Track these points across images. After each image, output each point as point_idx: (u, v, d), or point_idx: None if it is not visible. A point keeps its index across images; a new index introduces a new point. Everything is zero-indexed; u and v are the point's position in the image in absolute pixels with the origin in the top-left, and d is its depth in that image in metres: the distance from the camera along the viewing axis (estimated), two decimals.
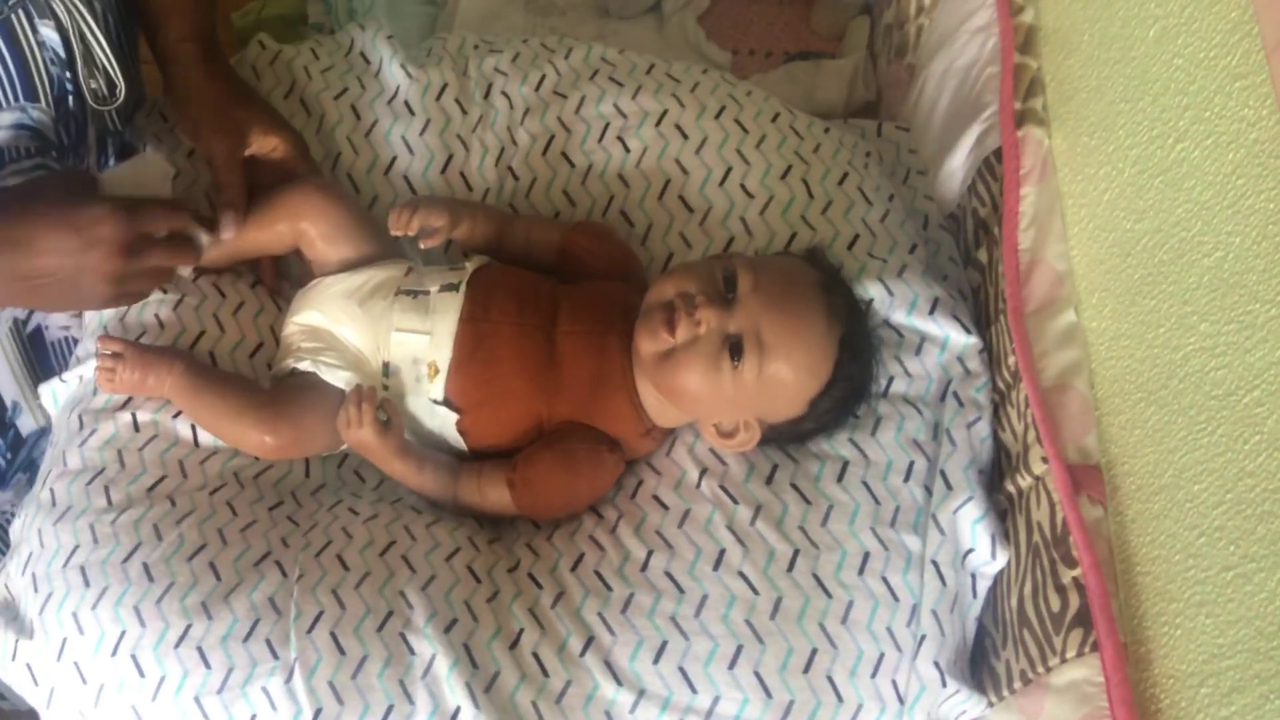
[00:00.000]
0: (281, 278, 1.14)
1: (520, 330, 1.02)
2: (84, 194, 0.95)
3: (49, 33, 0.99)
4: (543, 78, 1.21)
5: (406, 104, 1.20)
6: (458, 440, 1.04)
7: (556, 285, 1.07)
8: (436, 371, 1.01)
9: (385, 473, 1.03)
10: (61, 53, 1.00)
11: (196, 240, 1.02)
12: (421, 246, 1.08)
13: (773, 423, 1.00)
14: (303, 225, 1.08)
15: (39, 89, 1.00)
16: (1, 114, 0.99)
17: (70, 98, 1.03)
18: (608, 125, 1.17)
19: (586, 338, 1.02)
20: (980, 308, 1.09)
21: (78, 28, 1.00)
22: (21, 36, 0.97)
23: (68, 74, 1.02)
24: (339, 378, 1.02)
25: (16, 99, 0.99)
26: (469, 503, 1.03)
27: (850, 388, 1.00)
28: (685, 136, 1.15)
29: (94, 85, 1.04)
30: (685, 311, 0.95)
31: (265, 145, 1.07)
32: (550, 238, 1.11)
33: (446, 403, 1.02)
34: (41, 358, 1.14)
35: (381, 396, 1.01)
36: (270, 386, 1.05)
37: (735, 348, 0.95)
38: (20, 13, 0.96)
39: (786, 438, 1.01)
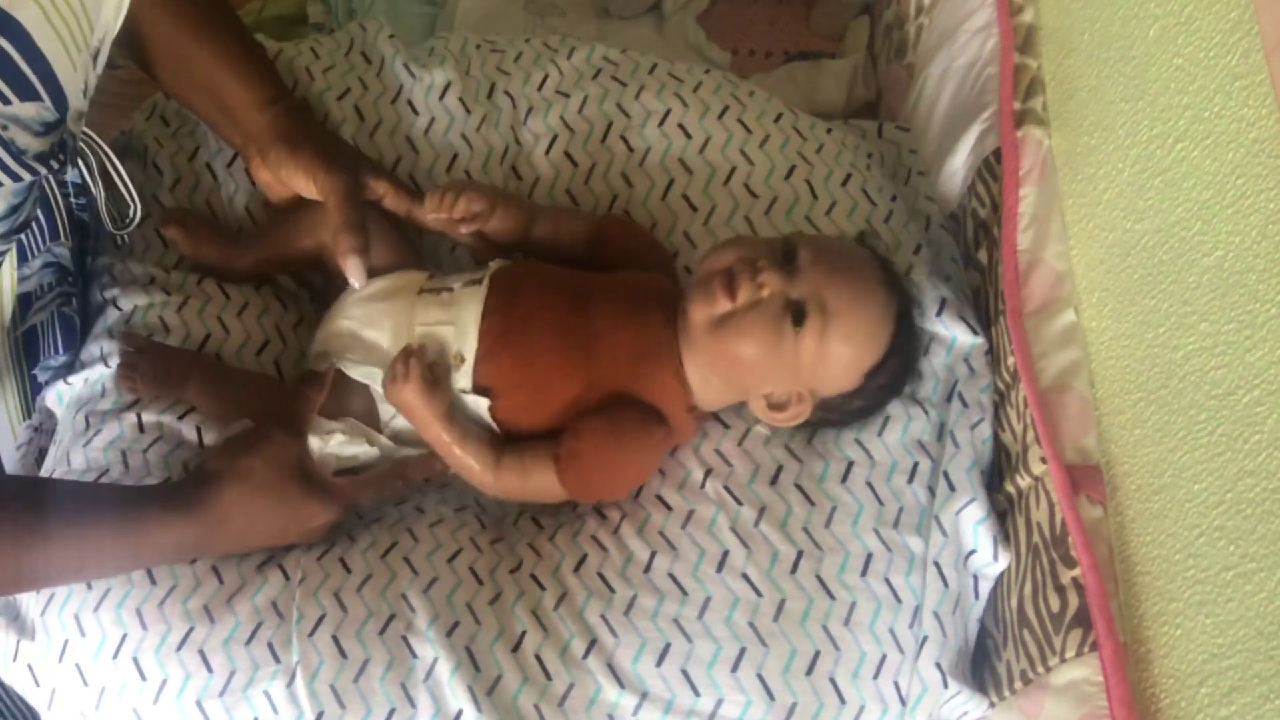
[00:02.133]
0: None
1: (548, 313, 1.00)
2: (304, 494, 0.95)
3: (70, 171, 1.01)
4: (545, 78, 1.21)
5: (410, 104, 1.20)
6: (494, 428, 1.01)
7: (586, 274, 1.05)
8: (462, 361, 0.99)
9: (427, 440, 1.00)
10: (79, 181, 1.02)
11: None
12: (462, 231, 1.06)
13: (825, 396, 0.98)
14: (330, 236, 1.07)
15: (60, 227, 1.02)
16: (33, 261, 1.00)
17: (81, 215, 1.06)
18: (610, 125, 1.17)
19: (625, 315, 1.00)
20: (980, 308, 1.09)
21: (101, 165, 1.01)
22: (48, 187, 0.99)
23: (83, 199, 1.04)
24: (364, 373, 1.01)
25: (45, 244, 1.01)
26: (509, 484, 0.99)
27: (903, 363, 0.99)
28: (688, 136, 1.15)
29: (113, 212, 1.06)
30: (748, 275, 0.94)
31: (376, 189, 1.08)
32: (578, 228, 1.10)
33: (477, 390, 0.99)
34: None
35: (430, 358, 0.99)
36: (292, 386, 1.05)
37: (798, 313, 0.93)
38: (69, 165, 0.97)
39: (836, 415, 1.00)
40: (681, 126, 1.15)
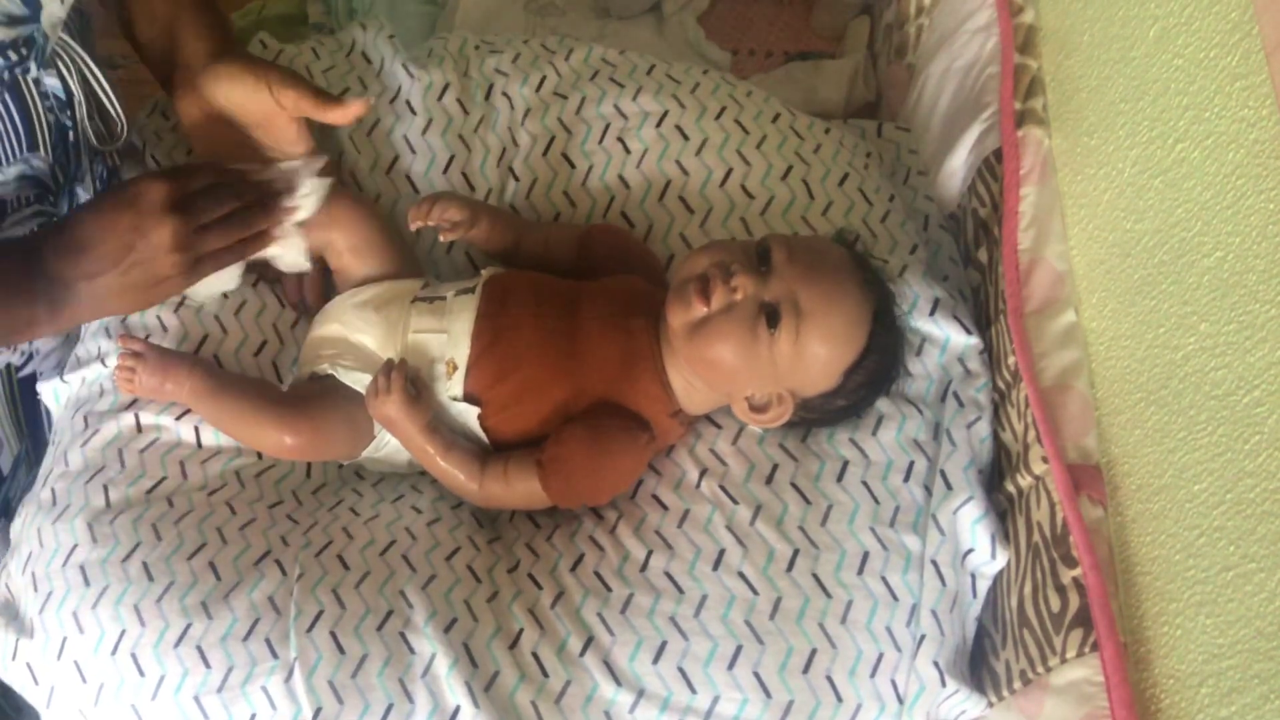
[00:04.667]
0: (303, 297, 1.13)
1: (539, 320, 1.01)
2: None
3: (51, 80, 0.99)
4: (543, 79, 1.21)
5: (408, 104, 1.20)
6: (481, 438, 1.02)
7: (575, 282, 1.06)
8: (455, 369, 1.00)
9: (411, 453, 1.01)
10: (62, 95, 1.00)
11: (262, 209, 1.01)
12: (441, 239, 1.07)
13: (805, 397, 0.99)
14: (333, 235, 1.08)
15: (40, 138, 1.00)
16: (7, 168, 0.99)
17: (69, 134, 1.04)
18: (608, 126, 1.17)
19: (610, 320, 1.01)
20: (980, 308, 1.09)
21: (82, 75, 1.00)
22: (25, 90, 0.97)
23: (67, 113, 1.02)
24: (356, 379, 1.01)
25: (21, 152, 0.99)
26: (493, 493, 1.00)
27: (883, 361, 0.99)
28: (686, 138, 1.15)
29: (98, 127, 1.04)
30: (721, 279, 0.94)
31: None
32: (568, 236, 1.11)
33: (467, 398, 1.00)
34: (27, 399, 1.14)
35: (412, 370, 1.00)
36: (289, 391, 1.05)
37: (772, 314, 0.94)
38: (31, 61, 0.95)
39: (817, 415, 1.01)
40: (679, 128, 1.15)
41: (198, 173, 0.97)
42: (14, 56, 0.85)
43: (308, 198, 1.04)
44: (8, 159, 0.99)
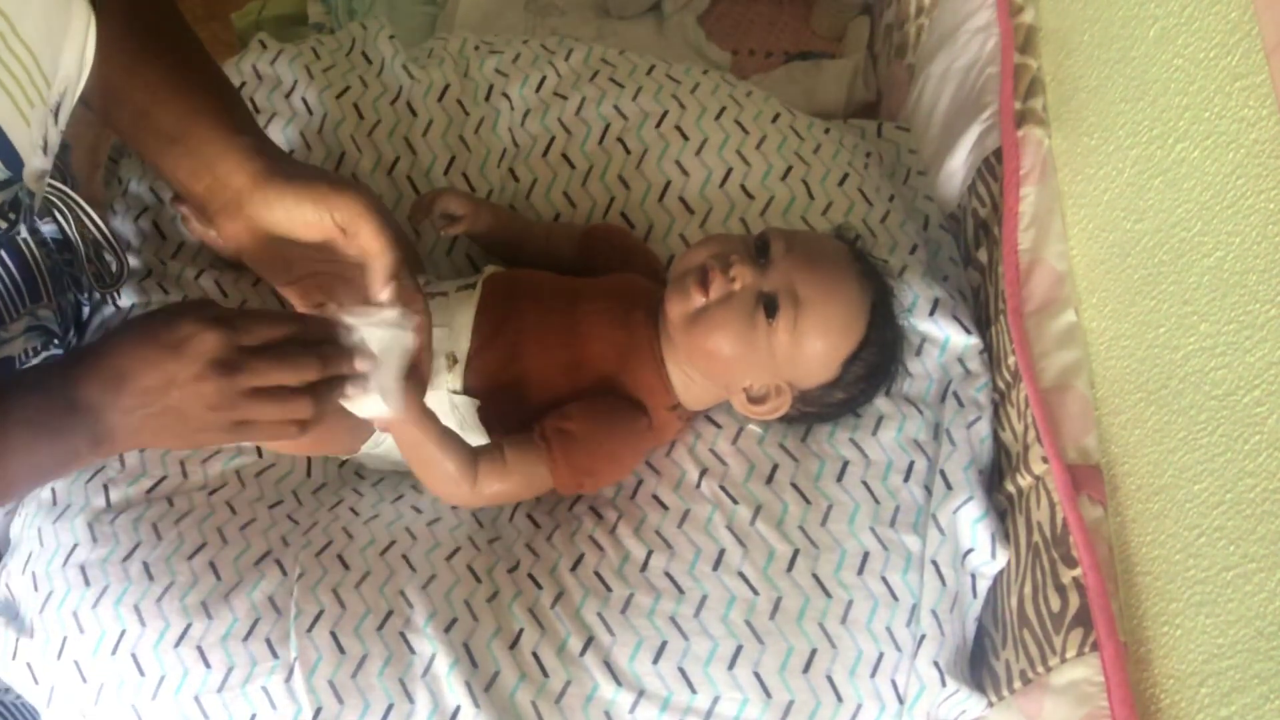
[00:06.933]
0: None
1: (539, 314, 1.01)
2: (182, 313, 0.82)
3: (48, 228, 0.96)
4: (543, 79, 1.21)
5: (409, 105, 1.20)
6: (479, 431, 1.02)
7: (575, 279, 1.06)
8: (455, 362, 1.00)
9: (400, 445, 0.98)
10: (59, 236, 0.97)
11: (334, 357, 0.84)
12: (442, 234, 1.07)
13: (804, 388, 0.99)
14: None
15: (42, 288, 0.97)
16: (15, 324, 0.96)
17: (65, 273, 1.00)
18: (608, 127, 1.17)
19: (610, 314, 1.02)
20: (980, 308, 1.09)
21: (78, 219, 0.96)
22: (24, 246, 0.93)
23: (65, 255, 0.99)
24: None
25: (25, 304, 0.96)
26: (488, 485, 0.97)
27: (881, 353, 0.99)
28: (685, 138, 1.15)
29: (97, 270, 1.01)
30: (720, 270, 0.95)
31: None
32: (570, 234, 1.11)
33: (467, 391, 1.00)
34: None
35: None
36: None
37: (770, 304, 0.94)
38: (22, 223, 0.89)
39: (816, 409, 1.01)
40: (679, 128, 1.16)
41: (257, 323, 0.83)
42: (3, 224, 0.78)
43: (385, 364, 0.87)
44: (13, 314, 0.95)
